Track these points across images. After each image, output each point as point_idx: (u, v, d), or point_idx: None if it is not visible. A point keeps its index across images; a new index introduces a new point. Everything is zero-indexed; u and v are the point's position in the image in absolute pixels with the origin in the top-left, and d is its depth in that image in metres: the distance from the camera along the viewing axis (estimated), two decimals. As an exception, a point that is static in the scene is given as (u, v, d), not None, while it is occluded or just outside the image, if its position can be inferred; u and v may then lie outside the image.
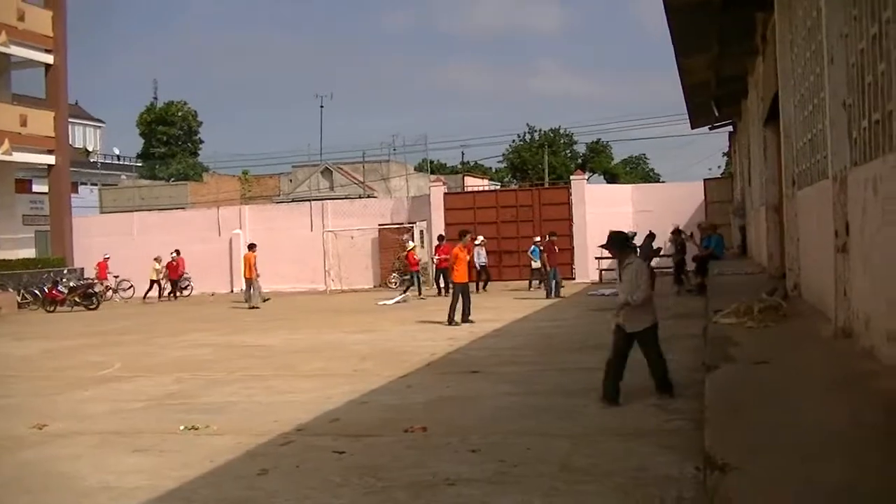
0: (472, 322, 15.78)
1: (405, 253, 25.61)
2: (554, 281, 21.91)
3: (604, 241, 7.71)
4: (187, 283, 30.43)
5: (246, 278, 23.49)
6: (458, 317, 15.96)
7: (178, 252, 29.47)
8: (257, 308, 22.30)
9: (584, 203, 28.86)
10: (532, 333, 14.10)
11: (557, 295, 21.37)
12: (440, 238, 26.02)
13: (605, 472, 5.60)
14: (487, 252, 26.07)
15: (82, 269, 30.77)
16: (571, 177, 31.61)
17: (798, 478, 3.50)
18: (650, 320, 7.47)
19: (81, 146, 60.14)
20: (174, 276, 29.43)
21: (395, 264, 28.74)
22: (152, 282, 27.86)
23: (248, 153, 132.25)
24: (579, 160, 74.22)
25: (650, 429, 6.71)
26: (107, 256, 30.03)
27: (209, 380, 10.57)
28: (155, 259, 28.17)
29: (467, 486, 5.45)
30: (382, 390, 9.21)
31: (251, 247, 24.11)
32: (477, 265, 24.67)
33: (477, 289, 24.40)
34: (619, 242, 7.62)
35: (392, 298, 23.10)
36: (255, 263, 23.53)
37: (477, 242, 24.84)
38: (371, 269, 30.66)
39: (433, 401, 8.44)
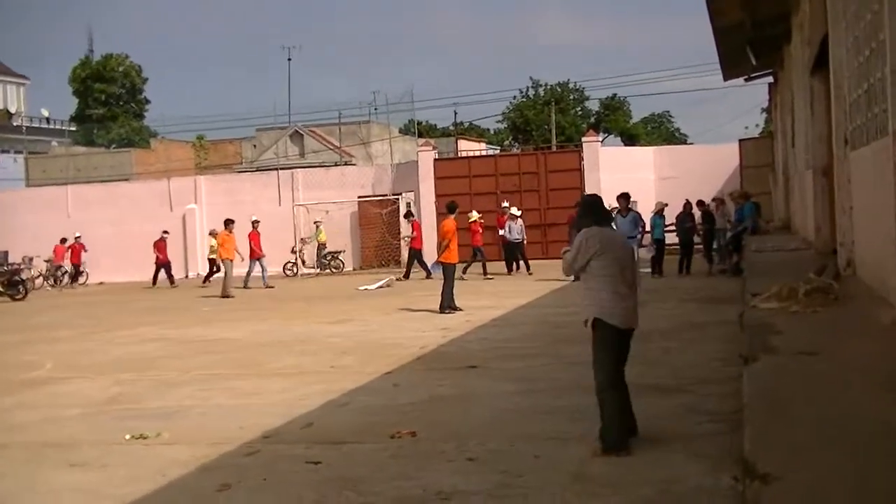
0: (456, 310, 15.90)
1: (468, 223, 24.87)
2: None
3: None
4: (83, 270, 30.81)
5: (223, 259, 23.42)
6: (458, 302, 16.09)
7: (79, 237, 30.28)
8: (229, 297, 22.31)
9: (598, 169, 29.00)
10: (537, 322, 14.15)
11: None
12: (408, 215, 26.17)
13: (627, 484, 5.61)
14: (525, 227, 25.34)
15: (6, 252, 30.66)
16: (583, 138, 31.74)
17: (849, 488, 3.50)
18: (591, 311, 6.31)
19: (1, 107, 59.80)
20: (75, 262, 29.62)
21: (299, 246, 29.70)
22: (211, 261, 27.41)
23: (203, 115, 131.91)
24: (592, 119, 74.25)
25: (678, 432, 6.73)
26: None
27: (159, 381, 10.58)
28: (210, 234, 27.72)
29: (464, 501, 5.46)
30: (364, 389, 9.26)
31: (227, 224, 23.92)
32: (509, 239, 24.48)
33: (509, 270, 24.34)
34: (589, 208, 6.56)
35: (375, 283, 23.17)
36: (233, 244, 23.62)
37: (514, 212, 24.73)
38: (350, 249, 30.72)
39: (423, 401, 8.49)
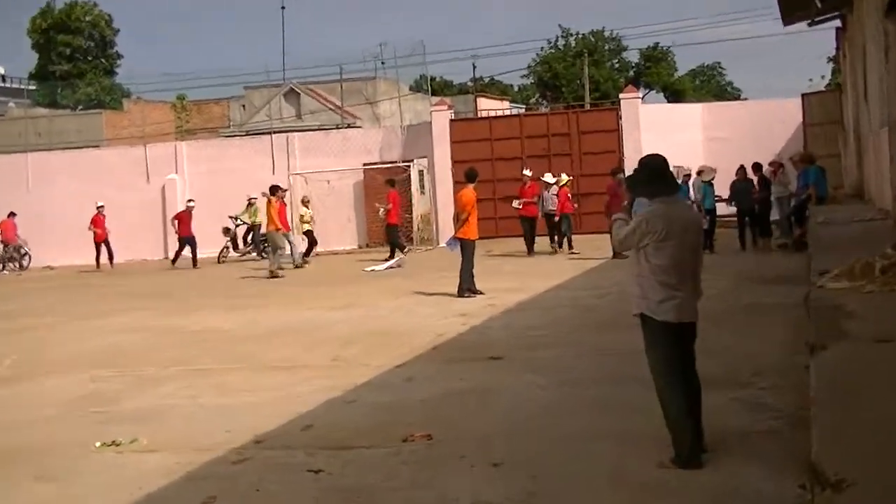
0: (476, 294, 15.96)
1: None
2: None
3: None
4: (25, 252, 30.95)
5: (269, 232, 23.47)
6: (478, 284, 16.16)
7: (12, 214, 30.49)
8: (278, 276, 22.14)
9: (639, 129, 28.91)
10: (569, 306, 14.19)
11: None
12: (391, 183, 25.59)
13: (675, 490, 5.61)
14: (571, 196, 24.92)
15: None
16: (621, 95, 31.64)
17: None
18: (639, 304, 6.25)
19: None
20: (10, 240, 29.86)
21: (232, 231, 29.30)
22: (307, 233, 27.16)
23: (185, 72, 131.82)
24: (630, 73, 73.86)
25: (734, 431, 6.70)
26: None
27: (138, 377, 10.60)
28: (303, 202, 27.67)
29: (488, 513, 5.45)
30: (372, 385, 9.29)
31: (272, 190, 23.73)
32: (540, 212, 24.27)
33: (552, 243, 24.18)
34: (651, 174, 6.30)
35: (383, 262, 23.22)
36: (280, 213, 23.48)
37: (548, 178, 24.59)
38: (354, 224, 30.93)
39: (440, 397, 8.52)
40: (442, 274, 18.70)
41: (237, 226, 29.59)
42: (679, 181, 20.28)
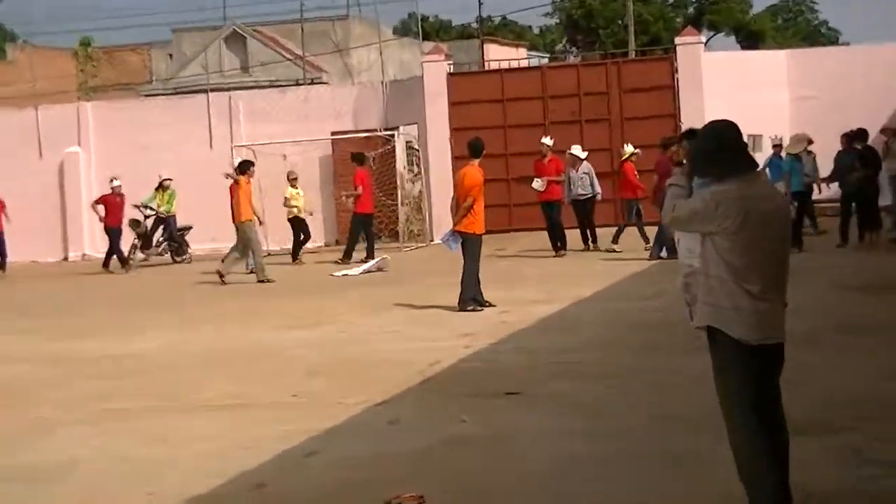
0: (484, 306, 16.03)
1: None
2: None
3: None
4: None
5: (241, 222, 22.88)
6: (486, 293, 16.21)
7: None
8: (267, 280, 22.11)
9: (701, 86, 28.79)
10: (607, 323, 14.20)
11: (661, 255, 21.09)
12: (359, 159, 25.35)
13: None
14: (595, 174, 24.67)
15: None
16: (677, 39, 31.41)
17: None
18: (706, 314, 6.26)
19: None
20: None
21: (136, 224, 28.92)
22: (295, 222, 26.75)
23: (91, 8, 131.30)
24: (690, 10, 73.79)
25: (831, 491, 6.69)
26: None
27: (33, 422, 10.49)
28: (290, 179, 27.05)
29: None
30: (344, 431, 9.28)
31: (243, 167, 23.45)
32: (567, 198, 24.20)
33: (585, 240, 24.23)
34: (720, 148, 6.24)
35: (359, 266, 23.22)
36: (248, 195, 23.06)
37: (577, 152, 24.28)
38: (321, 213, 30.46)
39: (435, 447, 8.48)
40: (438, 280, 18.68)
41: (146, 217, 29.01)
42: (760, 154, 20.26)
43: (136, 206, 28.89)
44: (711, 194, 6.06)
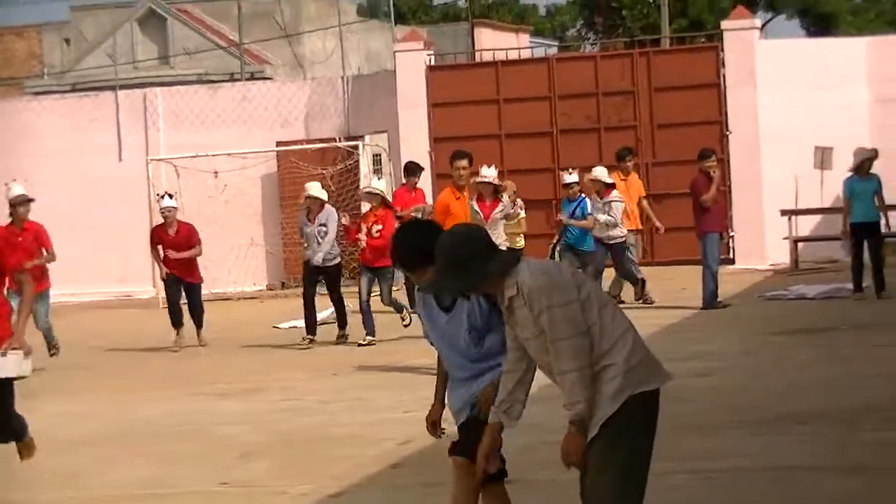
0: None
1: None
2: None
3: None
4: None
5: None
6: None
7: None
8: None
9: (754, 82, 27.03)
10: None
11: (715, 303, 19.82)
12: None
13: None
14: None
15: None
16: (724, 23, 29.40)
17: None
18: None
19: None
20: None
21: None
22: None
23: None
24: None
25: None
26: None
27: None
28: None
29: None
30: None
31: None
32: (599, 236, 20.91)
33: (638, 286, 21.22)
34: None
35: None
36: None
37: (601, 176, 20.70)
38: (262, 248, 28.90)
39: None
40: (412, 331, 17.75)
41: None
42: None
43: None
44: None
